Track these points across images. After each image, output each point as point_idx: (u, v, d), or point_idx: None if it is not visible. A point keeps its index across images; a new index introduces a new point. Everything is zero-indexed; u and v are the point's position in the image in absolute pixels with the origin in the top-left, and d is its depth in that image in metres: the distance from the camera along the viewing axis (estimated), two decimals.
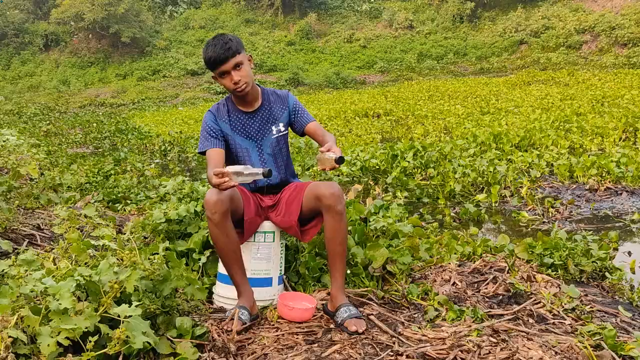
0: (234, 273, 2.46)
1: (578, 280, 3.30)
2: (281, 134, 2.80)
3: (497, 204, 5.30)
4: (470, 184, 5.75)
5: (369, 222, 3.45)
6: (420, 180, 6.29)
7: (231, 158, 2.77)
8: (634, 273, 3.50)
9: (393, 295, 2.82)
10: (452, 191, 5.62)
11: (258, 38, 37.39)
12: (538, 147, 7.64)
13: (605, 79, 17.69)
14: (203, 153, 2.70)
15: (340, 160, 2.35)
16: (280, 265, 2.63)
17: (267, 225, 2.57)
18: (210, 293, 2.69)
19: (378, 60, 32.06)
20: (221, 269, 2.58)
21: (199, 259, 2.74)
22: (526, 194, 5.36)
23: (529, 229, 4.51)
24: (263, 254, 2.52)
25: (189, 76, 32.78)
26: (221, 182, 2.24)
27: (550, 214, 4.83)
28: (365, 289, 2.84)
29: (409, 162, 6.70)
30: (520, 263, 3.46)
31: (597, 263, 3.40)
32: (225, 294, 2.55)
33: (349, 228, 3.30)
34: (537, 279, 3.19)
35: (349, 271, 2.96)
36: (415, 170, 6.56)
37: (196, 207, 3.01)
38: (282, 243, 2.70)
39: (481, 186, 5.75)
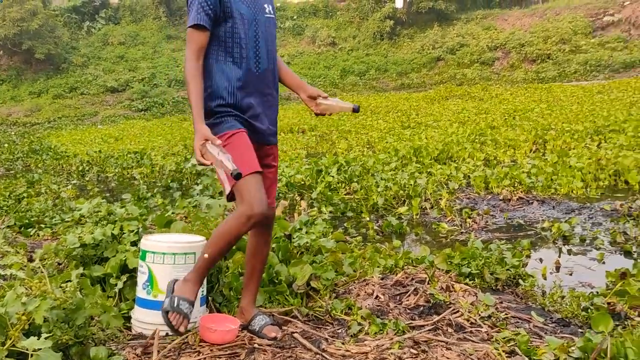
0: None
1: (494, 288, 3.44)
2: (272, 17, 2.49)
3: (418, 216, 5.45)
4: (392, 197, 5.89)
5: (293, 238, 3.45)
6: (345, 194, 6.38)
7: (226, 32, 2.32)
8: (545, 279, 3.69)
9: (317, 312, 2.82)
10: (375, 205, 5.73)
11: (181, 54, 36.77)
12: (456, 159, 7.95)
13: (517, 94, 18.70)
14: (193, 26, 2.28)
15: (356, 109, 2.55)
16: (202, 287, 2.57)
17: (187, 246, 2.51)
18: (129, 318, 2.58)
19: (302, 76, 31.98)
20: (140, 292, 2.49)
21: (116, 284, 2.63)
22: (445, 206, 5.55)
23: (449, 240, 4.66)
24: (183, 276, 2.45)
25: (108, 93, 31.68)
26: (198, 156, 2.13)
27: (468, 224, 5.03)
28: (290, 307, 2.83)
29: (333, 177, 6.78)
30: (440, 273, 3.56)
31: (511, 271, 3.57)
32: (144, 318, 2.46)
33: (273, 245, 3.29)
34: (456, 288, 3.30)
35: (273, 289, 2.94)
36: (340, 184, 6.64)
37: (113, 229, 2.89)
38: None
39: (403, 199, 5.90)
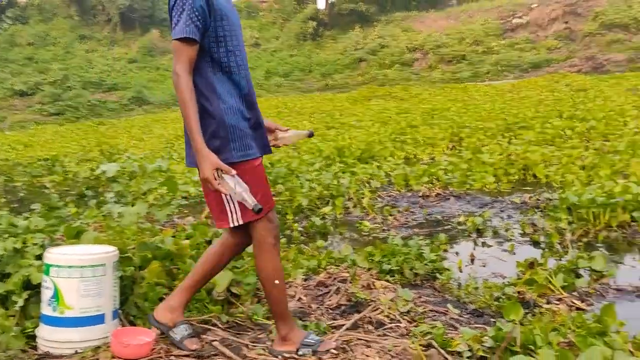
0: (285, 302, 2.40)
1: (413, 283, 3.52)
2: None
3: (341, 216, 5.50)
4: (317, 198, 5.91)
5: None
6: None
7: (222, 42, 2.18)
8: (461, 272, 3.82)
9: (238, 318, 2.78)
10: (300, 206, 5.73)
11: (96, 55, 35.37)
12: (378, 158, 8.11)
13: (435, 93, 19.36)
14: (182, 40, 2.09)
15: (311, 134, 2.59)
16: (114, 299, 2.46)
17: (94, 258, 2.38)
18: (34, 337, 2.43)
19: None
20: (45, 309, 2.34)
21: (17, 302, 2.46)
22: (368, 204, 5.63)
23: (371, 237, 4.73)
24: (92, 290, 2.33)
25: (17, 97, 29.91)
26: (214, 185, 2.05)
27: (389, 222, 5.13)
28: (209, 314, 2.76)
29: None
30: (361, 272, 3.60)
31: (429, 265, 3.67)
32: (50, 337, 2.32)
33: (193, 252, 3.21)
34: (377, 285, 3.35)
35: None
36: None
37: (15, 243, 2.71)
38: (116, 274, 2.52)
39: (327, 199, 5.93)
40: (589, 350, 2.17)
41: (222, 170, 2.08)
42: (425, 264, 3.65)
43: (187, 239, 3.67)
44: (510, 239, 4.45)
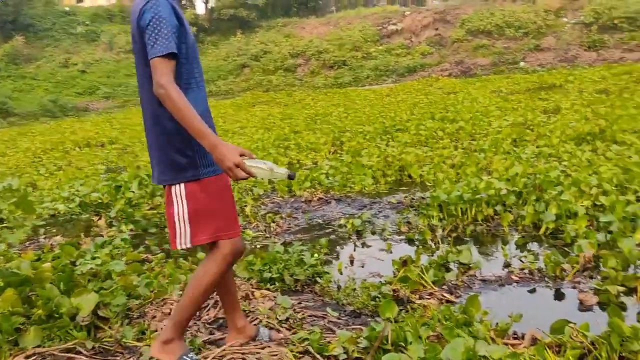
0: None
1: (294, 289, 3.52)
2: None
3: None
4: None
5: (76, 265, 3.16)
6: (148, 209, 6.06)
7: (188, 58, 2.21)
8: (341, 274, 3.88)
9: (106, 343, 2.61)
10: None
11: None
12: None
13: (318, 99, 19.71)
14: (164, 55, 2.04)
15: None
16: None
17: None
18: None
19: (100, 85, 30.35)
20: None
21: None
22: (250, 212, 5.58)
23: (253, 246, 4.68)
24: None
25: None
26: (247, 169, 2.01)
27: (272, 229, 5.11)
28: (73, 342, 2.57)
29: (134, 192, 6.41)
30: (241, 282, 3.56)
31: (309, 270, 3.69)
32: None
33: (54, 275, 2.98)
34: (256, 295, 3.31)
35: (53, 325, 2.65)
36: (142, 200, 6.30)
37: None
38: None
39: None
40: (453, 342, 2.29)
41: (245, 156, 2.06)
42: (306, 269, 3.67)
43: (54, 259, 3.42)
44: (388, 239, 4.61)
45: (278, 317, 2.91)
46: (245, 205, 5.84)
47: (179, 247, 2.24)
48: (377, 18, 33.67)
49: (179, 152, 2.18)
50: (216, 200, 2.24)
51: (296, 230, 5.07)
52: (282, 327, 2.80)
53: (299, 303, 3.22)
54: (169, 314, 3.02)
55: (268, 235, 4.94)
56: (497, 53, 26.52)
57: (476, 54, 27.49)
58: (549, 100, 12.26)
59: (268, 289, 3.47)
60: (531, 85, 16.23)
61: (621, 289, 3.08)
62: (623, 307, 2.99)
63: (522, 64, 24.63)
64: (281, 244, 4.35)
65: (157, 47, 2.04)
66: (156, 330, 2.74)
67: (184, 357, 2.32)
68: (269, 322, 2.84)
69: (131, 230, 5.37)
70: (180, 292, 3.36)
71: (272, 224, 5.22)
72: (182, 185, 2.19)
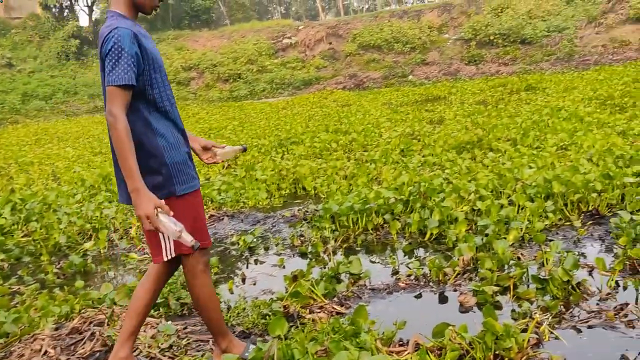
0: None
1: (180, 314, 3.39)
2: None
3: (106, 250, 5.10)
4: (78, 233, 5.41)
5: None
6: (22, 237, 5.61)
7: (156, 83, 2.29)
8: (232, 293, 3.79)
9: None
10: (58, 244, 5.18)
11: None
12: None
13: (213, 112, 19.43)
14: (122, 86, 2.13)
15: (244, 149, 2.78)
16: None
17: None
18: None
19: None
20: None
21: None
22: (136, 234, 5.32)
23: (139, 270, 4.46)
24: None
25: None
26: (155, 223, 2.10)
27: None
28: None
29: (6, 218, 5.91)
30: (122, 310, 3.36)
31: None
32: None
33: None
34: None
35: None
36: (15, 226, 5.82)
37: None
38: None
39: (89, 233, 5.46)
40: (338, 355, 2.29)
41: (160, 210, 2.13)
42: None
43: None
44: (281, 253, 4.57)
45: (160, 345, 2.77)
46: (130, 227, 5.58)
47: (165, 258, 2.39)
48: (272, 32, 33.88)
49: (154, 172, 2.28)
50: (194, 214, 2.40)
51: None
52: (164, 355, 2.67)
53: (185, 328, 3.09)
54: (39, 349, 2.78)
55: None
56: (388, 67, 27.59)
57: (368, 68, 28.43)
58: (434, 112, 12.91)
59: (152, 316, 3.31)
60: (419, 98, 17.03)
61: (496, 288, 3.25)
62: (498, 306, 3.16)
63: (410, 77, 25.80)
64: None
65: (113, 76, 2.13)
66: None
67: (246, 353, 2.59)
68: (149, 352, 2.69)
69: (2, 260, 4.92)
70: (54, 326, 3.12)
71: None
72: (163, 201, 2.24)
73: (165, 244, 2.37)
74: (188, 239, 2.15)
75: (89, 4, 36.53)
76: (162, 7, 37.13)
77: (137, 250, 4.92)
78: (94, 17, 36.01)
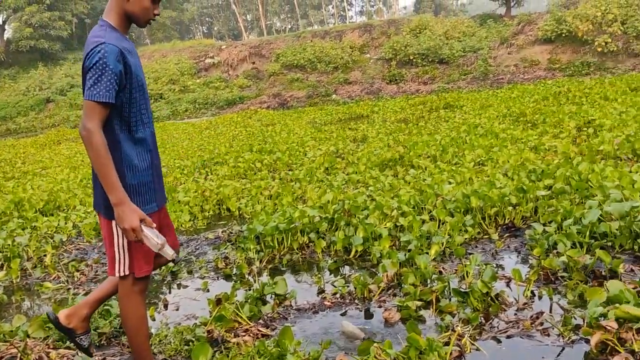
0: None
1: (98, 344, 3.22)
2: None
3: (18, 280, 4.78)
4: None
5: None
6: None
7: (136, 100, 2.28)
8: (153, 320, 3.64)
9: None
10: None
11: None
12: (65, 208, 7.39)
13: None
14: (101, 102, 2.13)
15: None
16: None
17: None
18: None
19: None
20: None
21: None
22: (50, 262, 5.03)
23: (53, 301, 4.21)
24: None
25: None
26: (139, 235, 2.18)
27: (76, 279, 4.66)
28: None
29: None
30: (35, 343, 3.16)
31: (115, 321, 3.40)
32: None
33: None
34: (51, 356, 2.96)
35: None
36: None
37: None
38: None
39: (0, 263, 5.11)
40: None
41: (143, 222, 2.19)
42: (111, 321, 3.38)
43: None
44: (205, 277, 4.46)
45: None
46: (45, 255, 5.27)
47: (116, 274, 2.38)
48: (194, 51, 33.53)
49: None
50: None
51: (104, 278, 4.68)
52: None
53: (103, 359, 2.94)
54: None
55: (70, 287, 4.48)
56: (311, 86, 27.95)
57: (292, 87, 28.68)
58: (357, 130, 13.17)
59: (68, 347, 3.12)
60: (342, 116, 17.33)
61: (419, 303, 3.31)
62: (422, 320, 3.22)
63: (334, 96, 26.26)
64: (84, 294, 3.98)
65: (94, 92, 2.12)
66: None
67: None
68: None
69: None
70: None
71: (76, 273, 4.76)
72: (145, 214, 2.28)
73: (120, 259, 2.36)
74: (169, 252, 2.25)
75: (1, 23, 34.75)
76: (79, 27, 35.91)
77: (52, 279, 4.64)
78: (6, 35, 34.21)
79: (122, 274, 2.37)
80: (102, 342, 3.24)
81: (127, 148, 2.28)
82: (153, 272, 4.59)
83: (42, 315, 3.40)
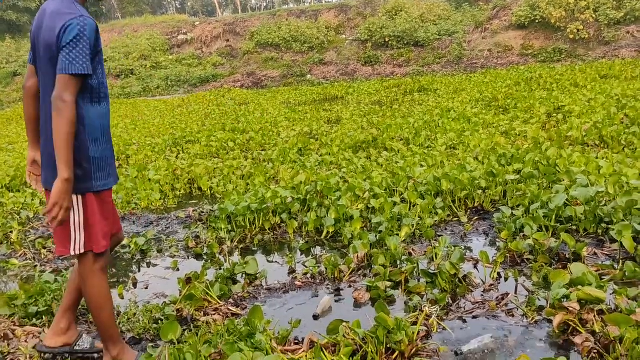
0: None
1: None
2: None
3: None
4: None
5: None
6: None
7: (97, 73, 2.30)
8: (122, 299, 3.62)
9: None
10: None
11: None
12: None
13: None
14: (80, 75, 2.18)
15: None
16: None
17: None
18: None
19: None
20: None
21: None
22: (16, 239, 4.94)
23: (19, 278, 4.14)
24: None
25: None
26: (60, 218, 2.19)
27: (43, 256, 4.58)
28: None
29: None
30: (1, 320, 3.10)
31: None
32: None
33: None
34: (17, 333, 2.92)
35: None
36: None
37: None
38: None
39: None
40: (232, 357, 2.25)
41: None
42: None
43: None
44: (174, 256, 4.44)
45: (43, 356, 2.59)
46: (11, 231, 5.17)
47: (72, 252, 2.35)
48: (166, 27, 32.85)
49: (75, 165, 2.25)
50: (105, 212, 2.40)
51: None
52: None
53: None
54: None
55: (37, 264, 4.41)
56: (286, 66, 27.70)
57: (266, 66, 28.38)
58: (331, 111, 13.14)
59: (34, 325, 3.08)
60: (317, 97, 17.26)
61: (389, 284, 3.35)
62: (392, 300, 3.26)
63: (308, 76, 26.09)
64: (51, 272, 3.92)
65: (76, 65, 2.16)
66: None
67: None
68: None
69: None
70: None
71: (43, 250, 4.68)
72: (79, 196, 2.29)
73: (76, 238, 2.34)
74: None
75: None
76: None
77: (18, 257, 4.56)
78: None
79: (77, 252, 2.35)
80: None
81: (90, 121, 2.30)
82: (122, 251, 4.57)
83: (7, 293, 3.35)
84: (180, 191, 6.54)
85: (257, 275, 3.74)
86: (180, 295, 3.36)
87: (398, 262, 3.77)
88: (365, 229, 4.54)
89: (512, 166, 5.59)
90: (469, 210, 4.93)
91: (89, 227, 2.34)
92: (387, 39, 27.36)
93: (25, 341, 2.84)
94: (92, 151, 2.30)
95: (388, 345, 2.55)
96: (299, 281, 3.67)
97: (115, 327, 2.55)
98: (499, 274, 3.49)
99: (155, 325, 3.04)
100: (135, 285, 3.90)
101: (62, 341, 2.62)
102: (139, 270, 4.22)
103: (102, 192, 2.37)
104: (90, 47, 2.20)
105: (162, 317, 3.12)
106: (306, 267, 3.87)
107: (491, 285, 3.33)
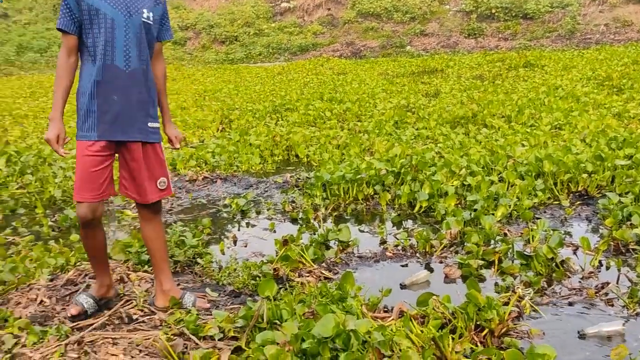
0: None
1: (173, 271, 3.45)
2: (150, 21, 2.63)
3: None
4: (72, 187, 5.43)
5: None
6: (17, 189, 5.63)
7: (90, 33, 2.49)
8: (223, 254, 3.86)
9: None
10: (53, 198, 5.22)
11: None
12: None
13: (208, 74, 19.25)
14: (60, 30, 2.49)
15: None
16: None
17: None
18: None
19: None
20: None
21: None
22: None
23: (132, 227, 4.52)
24: None
25: None
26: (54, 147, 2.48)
27: None
28: None
29: (1, 169, 5.93)
30: (116, 264, 3.44)
31: (189, 251, 3.64)
32: None
33: None
34: (132, 278, 3.22)
35: None
36: (10, 178, 5.84)
37: None
38: None
39: None
40: (324, 317, 2.36)
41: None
42: (186, 250, 3.62)
43: None
44: (272, 218, 4.64)
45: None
46: None
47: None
48: None
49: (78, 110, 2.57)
50: (80, 162, 2.52)
51: (179, 211, 4.96)
52: (158, 310, 2.75)
53: (178, 285, 3.16)
54: (35, 298, 2.86)
55: None
56: (386, 36, 27.32)
57: (366, 36, 28.14)
58: (430, 84, 12.89)
59: (146, 271, 3.38)
60: (415, 69, 16.95)
61: (481, 262, 3.34)
62: (482, 279, 3.26)
63: (408, 47, 25.60)
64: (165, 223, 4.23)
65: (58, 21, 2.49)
66: (20, 317, 2.58)
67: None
68: (144, 306, 2.77)
69: None
70: (49, 277, 3.19)
71: None
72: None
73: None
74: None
75: None
76: None
77: (131, 208, 4.96)
78: None
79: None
80: (176, 269, 3.48)
81: (83, 75, 2.54)
82: (224, 210, 4.85)
83: (123, 240, 3.68)
84: (278, 157, 6.77)
85: (350, 243, 3.85)
86: (276, 256, 3.54)
87: (492, 241, 3.73)
88: (459, 205, 4.51)
89: (623, 151, 5.28)
90: (571, 194, 4.74)
91: (76, 174, 2.55)
92: (493, 10, 26.16)
93: (138, 285, 3.12)
94: (80, 103, 2.54)
95: (477, 322, 2.57)
96: (390, 252, 3.74)
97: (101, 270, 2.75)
98: (600, 262, 3.36)
99: (253, 282, 3.24)
100: (235, 242, 4.14)
101: (169, 300, 2.81)
102: (239, 230, 4.47)
103: (80, 142, 2.52)
104: (68, 7, 2.45)
105: (260, 275, 3.31)
106: (397, 239, 3.92)
107: (591, 272, 3.22)
